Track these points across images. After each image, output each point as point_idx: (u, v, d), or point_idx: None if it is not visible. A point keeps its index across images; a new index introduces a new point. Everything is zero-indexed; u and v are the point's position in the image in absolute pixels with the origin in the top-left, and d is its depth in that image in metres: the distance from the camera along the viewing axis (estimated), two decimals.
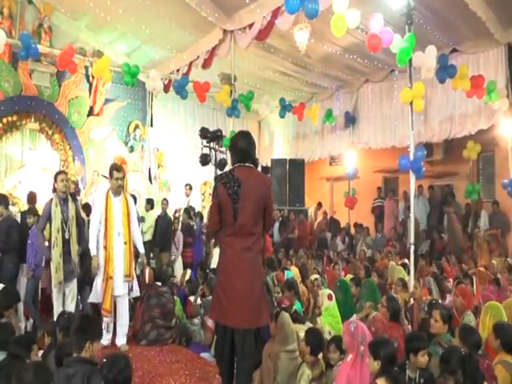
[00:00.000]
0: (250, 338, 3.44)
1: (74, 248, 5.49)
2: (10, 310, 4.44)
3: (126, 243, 5.25)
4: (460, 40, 8.88)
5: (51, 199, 5.49)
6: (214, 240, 7.77)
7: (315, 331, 4.13)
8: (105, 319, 5.21)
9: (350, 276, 6.90)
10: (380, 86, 10.85)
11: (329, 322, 5.13)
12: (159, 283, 6.04)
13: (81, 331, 3.03)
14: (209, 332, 5.32)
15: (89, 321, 3.21)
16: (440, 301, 5.60)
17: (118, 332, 5.33)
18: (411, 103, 6.36)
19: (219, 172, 9.90)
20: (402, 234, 10.73)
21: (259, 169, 13.60)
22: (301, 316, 5.03)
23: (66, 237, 5.43)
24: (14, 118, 9.67)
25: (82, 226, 5.78)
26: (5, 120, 9.54)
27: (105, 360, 2.82)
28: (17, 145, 9.87)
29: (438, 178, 11.45)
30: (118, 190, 5.30)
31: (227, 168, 9.73)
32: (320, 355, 3.92)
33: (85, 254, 5.62)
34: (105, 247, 5.17)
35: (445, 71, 7.20)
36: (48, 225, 5.51)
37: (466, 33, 8.57)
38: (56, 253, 5.35)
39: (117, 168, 5.36)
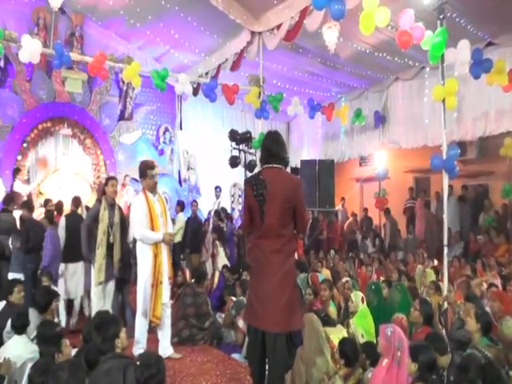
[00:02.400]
0: (281, 341, 3.36)
1: (117, 253, 5.53)
2: (48, 308, 4.52)
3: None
4: (496, 33, 8.54)
5: (100, 201, 5.57)
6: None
7: (349, 341, 4.04)
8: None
9: (382, 278, 6.79)
10: (410, 83, 10.62)
11: (361, 324, 5.06)
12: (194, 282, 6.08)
13: (104, 329, 3.07)
14: (240, 333, 5.32)
15: (107, 318, 3.25)
16: None
17: (162, 342, 5.02)
18: (443, 101, 6.21)
19: (249, 174, 9.95)
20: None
21: (289, 170, 13.70)
22: (331, 319, 4.97)
23: (111, 241, 5.47)
24: (49, 124, 9.99)
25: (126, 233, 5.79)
26: (40, 126, 9.85)
27: (138, 362, 2.81)
28: (51, 150, 10.16)
29: (471, 177, 11.13)
30: (155, 188, 5.01)
31: (256, 170, 9.78)
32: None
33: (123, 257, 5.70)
34: (153, 250, 4.86)
35: (479, 66, 6.93)
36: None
37: (502, 25, 8.24)
38: (100, 254, 5.37)
39: (150, 165, 4.99)
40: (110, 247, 5.47)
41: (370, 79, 11.11)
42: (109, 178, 5.80)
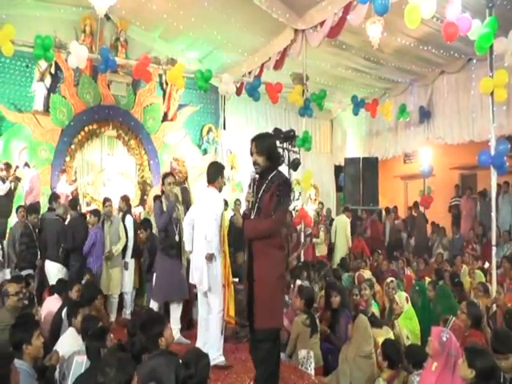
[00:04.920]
0: None
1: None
2: (93, 303, 4.69)
3: None
4: None
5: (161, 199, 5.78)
6: None
7: (392, 343, 3.99)
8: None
9: (428, 279, 6.64)
10: (456, 77, 10.36)
11: (406, 326, 4.97)
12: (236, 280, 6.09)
13: (149, 328, 3.14)
14: (284, 331, 5.30)
15: (152, 316, 3.31)
16: None
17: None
18: (492, 93, 6.04)
19: (293, 172, 9.95)
20: (482, 235, 10.14)
21: (332, 168, 13.59)
22: (378, 319, 4.90)
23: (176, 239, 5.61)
24: (94, 126, 10.25)
25: None
26: (86, 129, 10.15)
27: (184, 360, 2.83)
28: (96, 151, 10.46)
29: None
30: (222, 189, 4.99)
31: (300, 168, 9.76)
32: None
33: None
34: (223, 251, 4.80)
35: None
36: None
37: None
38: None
39: (224, 167, 5.12)
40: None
41: (414, 74, 10.91)
42: (165, 176, 5.92)
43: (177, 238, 5.58)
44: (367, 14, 7.02)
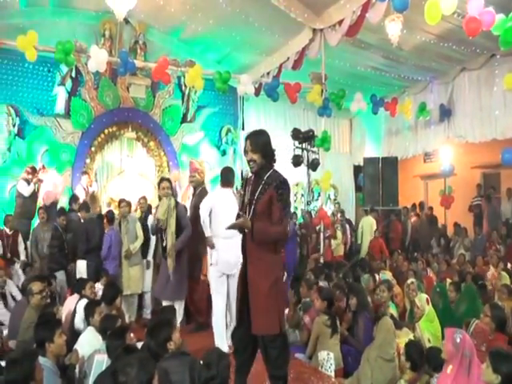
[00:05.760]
0: None
1: None
2: (114, 302, 4.74)
3: None
4: None
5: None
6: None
7: (416, 344, 3.93)
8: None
9: (449, 281, 6.54)
10: (478, 73, 10.11)
11: (428, 328, 4.89)
12: None
13: (156, 334, 3.17)
14: (305, 331, 5.27)
15: (159, 322, 3.33)
16: None
17: None
18: None
19: (312, 172, 9.91)
20: (507, 236, 9.93)
21: (351, 168, 13.50)
22: (398, 321, 4.84)
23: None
24: (114, 128, 10.38)
25: None
26: (106, 131, 10.28)
27: (204, 361, 2.82)
28: (116, 153, 10.60)
29: None
30: None
31: (320, 168, 9.71)
32: None
33: None
34: None
35: None
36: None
37: None
38: None
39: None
40: None
41: (434, 71, 10.75)
42: (161, 180, 6.06)
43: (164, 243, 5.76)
44: (386, 11, 6.95)
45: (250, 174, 3.51)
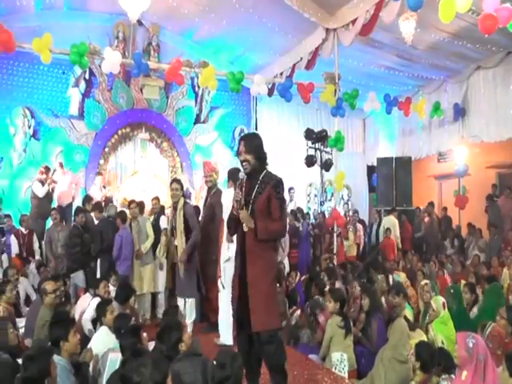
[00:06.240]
0: None
1: None
2: (127, 302, 4.77)
3: None
4: None
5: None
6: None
7: (426, 345, 3.87)
8: None
9: (463, 282, 6.45)
10: (493, 71, 9.96)
11: (441, 330, 4.83)
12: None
13: (167, 337, 3.17)
14: (319, 331, 5.24)
15: (168, 325, 3.33)
16: None
17: None
18: None
19: (325, 173, 9.87)
20: None
21: (365, 168, 13.46)
22: (411, 323, 4.79)
23: None
24: (128, 129, 10.48)
25: None
26: (120, 132, 10.37)
27: (218, 361, 2.80)
28: (130, 154, 10.69)
29: None
30: None
31: (333, 169, 9.67)
32: None
33: None
34: None
35: None
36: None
37: None
38: None
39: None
40: None
41: (448, 70, 10.63)
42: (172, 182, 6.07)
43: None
44: (400, 10, 6.90)
45: (244, 176, 3.57)
